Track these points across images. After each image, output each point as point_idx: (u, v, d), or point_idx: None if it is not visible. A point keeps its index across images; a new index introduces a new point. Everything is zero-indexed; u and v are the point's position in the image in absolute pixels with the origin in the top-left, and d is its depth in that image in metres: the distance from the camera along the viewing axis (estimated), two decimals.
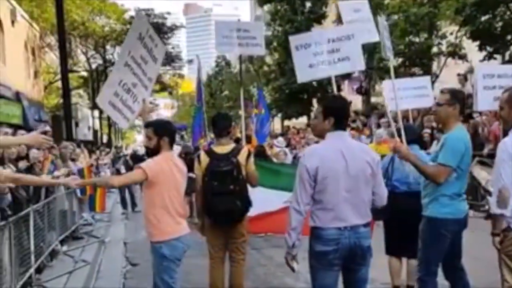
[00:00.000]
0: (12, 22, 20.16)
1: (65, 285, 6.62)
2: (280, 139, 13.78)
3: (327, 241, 3.36)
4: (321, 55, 6.41)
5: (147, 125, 4.38)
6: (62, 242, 8.62)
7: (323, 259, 3.39)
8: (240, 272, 5.13)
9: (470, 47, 17.35)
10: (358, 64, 6.71)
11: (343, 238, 3.35)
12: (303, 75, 6.60)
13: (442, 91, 4.21)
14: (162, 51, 5.33)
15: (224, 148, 5.03)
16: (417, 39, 18.65)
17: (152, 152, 4.22)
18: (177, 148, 19.84)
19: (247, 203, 5.01)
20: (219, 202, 4.84)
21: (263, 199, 5.56)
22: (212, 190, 4.89)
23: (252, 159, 5.09)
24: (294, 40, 6.63)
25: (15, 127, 15.29)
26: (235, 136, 12.43)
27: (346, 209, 3.37)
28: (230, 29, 8.91)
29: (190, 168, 14.76)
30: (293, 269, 3.49)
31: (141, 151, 37.38)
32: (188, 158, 12.39)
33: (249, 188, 5.07)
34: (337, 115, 3.47)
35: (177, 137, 24.44)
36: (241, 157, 4.96)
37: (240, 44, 8.90)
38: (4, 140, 4.96)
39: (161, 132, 4.19)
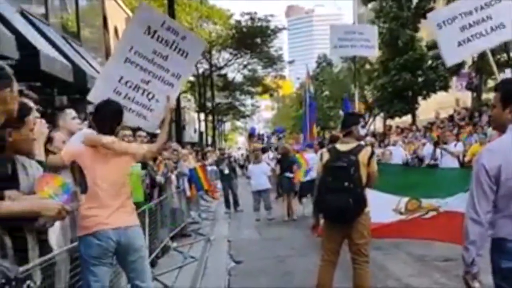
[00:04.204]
0: None
1: (176, 279, 6.94)
2: (368, 139, 13.43)
3: None
4: (470, 28, 5.58)
5: None
6: (172, 239, 9.06)
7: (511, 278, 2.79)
8: (366, 274, 4.91)
9: None
10: None
11: None
12: (451, 57, 5.87)
13: None
14: (195, 45, 4.71)
15: (346, 146, 4.93)
16: None
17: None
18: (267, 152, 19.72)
19: (362, 203, 4.77)
20: (332, 198, 4.69)
21: (372, 203, 5.11)
22: (326, 186, 4.80)
23: (375, 159, 4.94)
24: (435, 17, 5.84)
25: (135, 129, 16.24)
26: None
27: None
28: (346, 32, 9.33)
29: (287, 169, 14.82)
30: None
31: (236, 154, 37.77)
32: (285, 159, 12.59)
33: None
34: None
35: (275, 139, 24.63)
36: (362, 156, 4.79)
37: (355, 45, 9.27)
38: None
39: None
